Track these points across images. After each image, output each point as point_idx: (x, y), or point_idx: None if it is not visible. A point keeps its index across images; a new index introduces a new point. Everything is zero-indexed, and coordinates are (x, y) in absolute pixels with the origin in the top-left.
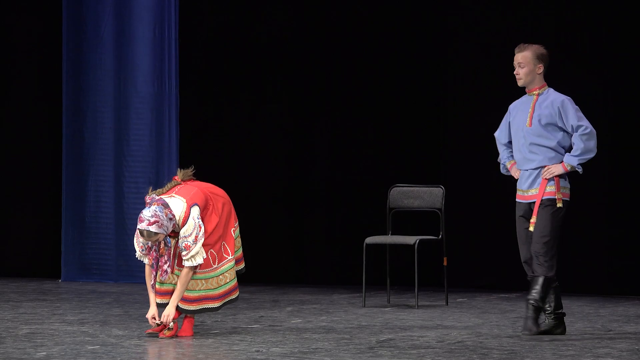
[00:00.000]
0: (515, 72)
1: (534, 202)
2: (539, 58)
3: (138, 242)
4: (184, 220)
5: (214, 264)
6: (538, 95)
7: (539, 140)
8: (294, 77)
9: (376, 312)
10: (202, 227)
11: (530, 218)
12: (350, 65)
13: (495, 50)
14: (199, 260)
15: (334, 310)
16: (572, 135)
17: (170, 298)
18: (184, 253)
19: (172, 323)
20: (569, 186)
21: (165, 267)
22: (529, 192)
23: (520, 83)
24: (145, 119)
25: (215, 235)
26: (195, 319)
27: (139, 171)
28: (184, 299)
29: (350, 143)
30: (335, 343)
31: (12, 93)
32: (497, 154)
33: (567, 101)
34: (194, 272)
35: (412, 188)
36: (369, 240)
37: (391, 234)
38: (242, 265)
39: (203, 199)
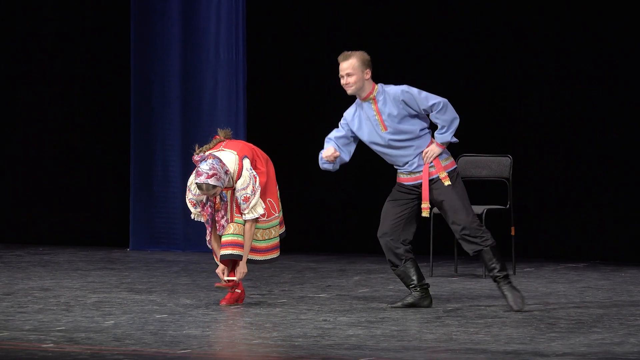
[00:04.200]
0: (344, 83)
1: (419, 183)
2: (365, 64)
3: (190, 200)
4: (239, 172)
5: (264, 217)
6: (375, 98)
7: (401, 137)
8: (365, 46)
9: (443, 281)
10: (257, 178)
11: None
12: (414, 35)
13: (560, 16)
14: (260, 210)
15: None
16: (429, 115)
17: (229, 249)
18: (243, 206)
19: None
20: (449, 156)
21: (223, 221)
22: (412, 174)
23: (350, 91)
24: (212, 87)
25: (264, 189)
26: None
27: (206, 140)
28: (228, 244)
29: None
30: (402, 312)
31: (80, 63)
32: (564, 122)
33: (405, 91)
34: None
35: (479, 157)
36: (437, 209)
37: None
38: (283, 229)
39: (250, 152)
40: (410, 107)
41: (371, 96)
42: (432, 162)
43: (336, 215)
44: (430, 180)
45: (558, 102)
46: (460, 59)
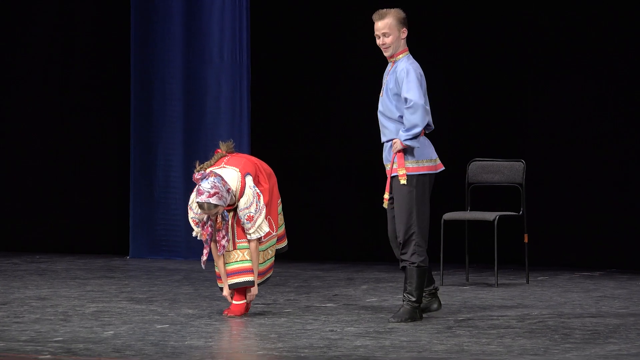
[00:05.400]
0: (380, 43)
1: (388, 177)
2: (402, 22)
3: (192, 219)
4: (241, 190)
5: (263, 238)
6: (394, 62)
7: (387, 112)
8: (371, 49)
9: (454, 290)
10: (261, 195)
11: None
12: (426, 37)
13: (576, 19)
14: (266, 229)
15: None
16: None
17: (235, 277)
18: (248, 225)
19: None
20: (422, 160)
21: (224, 242)
22: (387, 166)
23: (388, 53)
24: (215, 90)
25: (267, 207)
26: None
27: (209, 144)
28: (234, 272)
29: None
30: (412, 322)
31: (79, 65)
32: (579, 126)
33: (405, 71)
34: (260, 242)
35: (491, 162)
36: (447, 216)
37: (470, 210)
38: (284, 244)
39: (253, 169)
40: (398, 88)
41: (393, 59)
42: (395, 156)
43: (343, 222)
44: (394, 176)
45: (573, 104)
46: (473, 60)
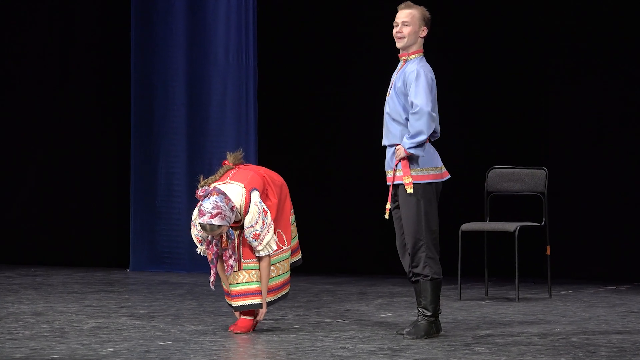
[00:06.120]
0: (397, 31)
1: (391, 185)
2: (425, 21)
3: (195, 236)
4: (246, 207)
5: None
6: (405, 61)
7: (394, 112)
8: (383, 54)
9: (473, 305)
10: (268, 211)
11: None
12: (443, 39)
13: (600, 22)
14: (274, 246)
15: None
16: None
17: (240, 300)
18: (255, 243)
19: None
20: (428, 168)
21: (231, 261)
22: (388, 172)
23: (401, 44)
24: (221, 93)
25: (275, 221)
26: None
27: (214, 151)
28: (239, 294)
29: (445, 121)
30: (428, 339)
31: (76, 68)
32: (604, 132)
33: (416, 73)
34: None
35: (512, 170)
36: (465, 227)
37: (489, 221)
38: (298, 256)
39: (261, 183)
40: (406, 88)
41: (405, 57)
42: (399, 163)
43: (356, 233)
44: (398, 184)
45: (597, 109)
46: (492, 64)
